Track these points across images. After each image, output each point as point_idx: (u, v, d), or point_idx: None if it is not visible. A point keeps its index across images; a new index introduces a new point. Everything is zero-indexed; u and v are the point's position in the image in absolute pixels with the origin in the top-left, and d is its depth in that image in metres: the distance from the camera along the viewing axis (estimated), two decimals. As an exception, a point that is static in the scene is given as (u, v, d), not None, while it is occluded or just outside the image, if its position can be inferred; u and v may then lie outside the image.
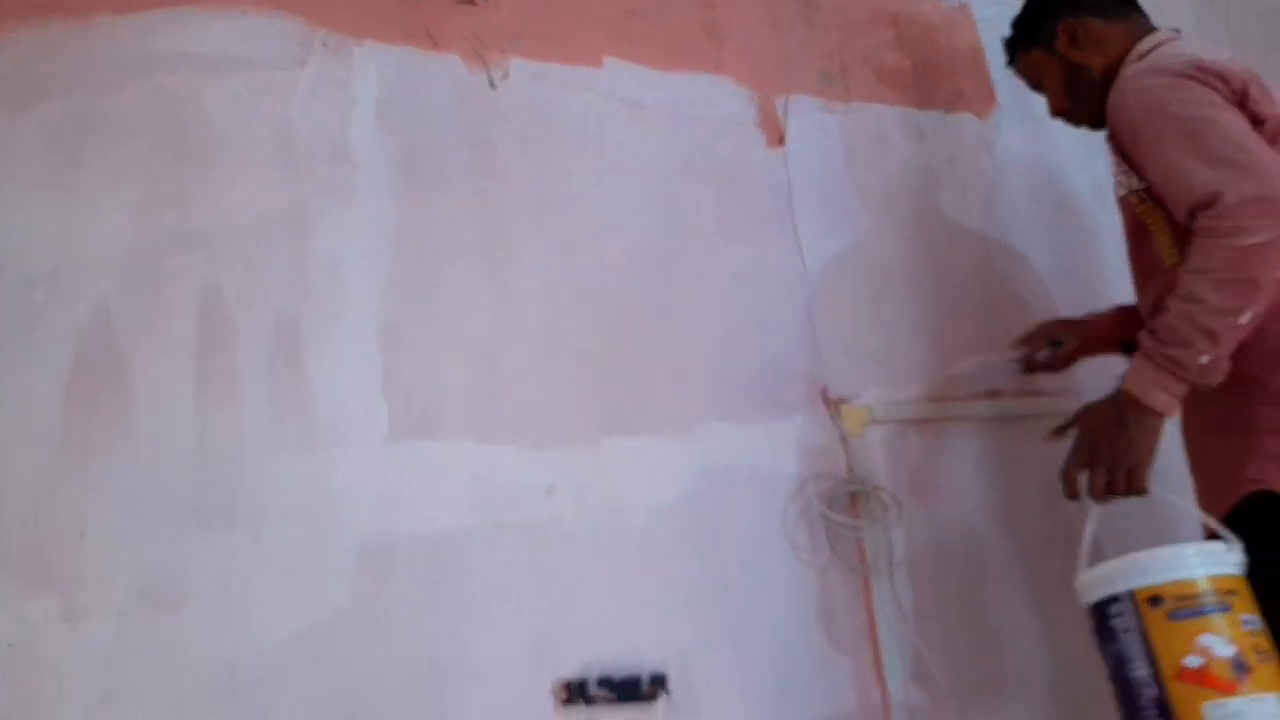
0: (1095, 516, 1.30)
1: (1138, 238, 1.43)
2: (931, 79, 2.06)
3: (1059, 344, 1.71)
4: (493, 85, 1.70)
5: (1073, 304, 1.86)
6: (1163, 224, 1.35)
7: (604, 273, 1.65)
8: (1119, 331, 1.66)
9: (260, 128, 1.55)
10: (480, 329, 1.55)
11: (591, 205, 1.69)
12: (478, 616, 1.41)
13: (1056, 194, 2.04)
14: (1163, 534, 1.36)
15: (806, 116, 1.90)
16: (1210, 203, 1.18)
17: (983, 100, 2.08)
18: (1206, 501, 1.32)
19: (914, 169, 1.95)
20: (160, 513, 1.33)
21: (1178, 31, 1.52)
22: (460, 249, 1.58)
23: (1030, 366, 1.75)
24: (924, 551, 1.65)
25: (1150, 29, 1.53)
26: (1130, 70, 1.39)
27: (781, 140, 1.86)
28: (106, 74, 1.50)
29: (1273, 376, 1.24)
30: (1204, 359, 1.17)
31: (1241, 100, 1.28)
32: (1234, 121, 1.24)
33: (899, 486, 1.66)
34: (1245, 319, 1.16)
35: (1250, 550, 1.20)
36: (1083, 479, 1.30)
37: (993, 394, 1.79)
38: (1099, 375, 1.68)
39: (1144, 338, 1.24)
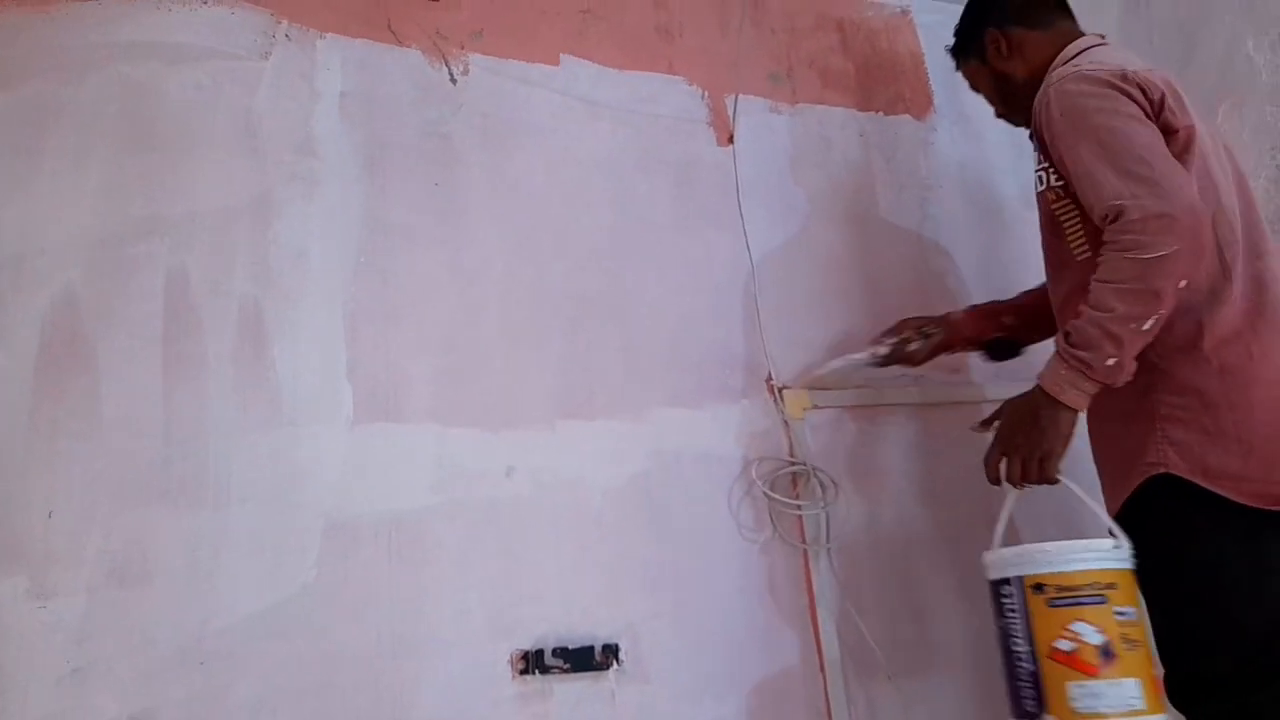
0: (1011, 501, 1.42)
1: (1051, 232, 1.52)
2: (873, 82, 2.16)
3: (926, 338, 1.74)
4: (453, 80, 1.75)
5: (996, 297, 1.97)
6: (1075, 221, 1.44)
7: (560, 263, 1.72)
8: (976, 331, 1.76)
9: (224, 118, 1.58)
10: (441, 316, 1.61)
11: (549, 198, 1.75)
12: (439, 590, 1.47)
13: (986, 194, 2.16)
14: (1076, 517, 1.49)
15: (755, 116, 1.99)
16: (1115, 217, 1.28)
17: (921, 103, 2.19)
18: (1110, 485, 1.42)
19: (855, 168, 2.05)
20: (128, 492, 1.37)
21: (1103, 38, 1.61)
22: (421, 239, 1.64)
23: (888, 360, 1.75)
24: (859, 529, 1.75)
25: (1077, 34, 1.61)
26: (1056, 74, 1.47)
27: (731, 138, 1.94)
28: (68, 61, 1.52)
29: (1175, 367, 1.33)
30: (1110, 361, 1.26)
31: (1158, 110, 1.35)
32: (1146, 134, 1.32)
33: (836, 468, 1.76)
34: (1149, 325, 1.26)
35: (1152, 530, 1.32)
36: (1003, 467, 1.41)
37: (921, 383, 1.89)
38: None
39: (1058, 339, 1.34)
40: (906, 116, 2.16)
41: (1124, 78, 1.36)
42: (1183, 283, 1.26)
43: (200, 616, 1.35)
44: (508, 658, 1.47)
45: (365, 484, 1.49)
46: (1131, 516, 1.34)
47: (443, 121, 1.72)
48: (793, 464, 1.74)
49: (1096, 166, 1.32)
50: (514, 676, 1.47)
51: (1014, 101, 1.64)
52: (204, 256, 1.50)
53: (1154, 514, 1.32)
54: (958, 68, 1.79)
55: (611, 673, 1.51)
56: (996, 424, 1.45)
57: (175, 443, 1.41)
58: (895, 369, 1.77)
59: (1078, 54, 1.50)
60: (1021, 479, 1.36)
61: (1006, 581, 1.32)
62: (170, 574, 1.35)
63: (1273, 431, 1.27)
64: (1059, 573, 1.27)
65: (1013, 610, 1.30)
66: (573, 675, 1.49)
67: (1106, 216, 1.29)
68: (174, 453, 1.40)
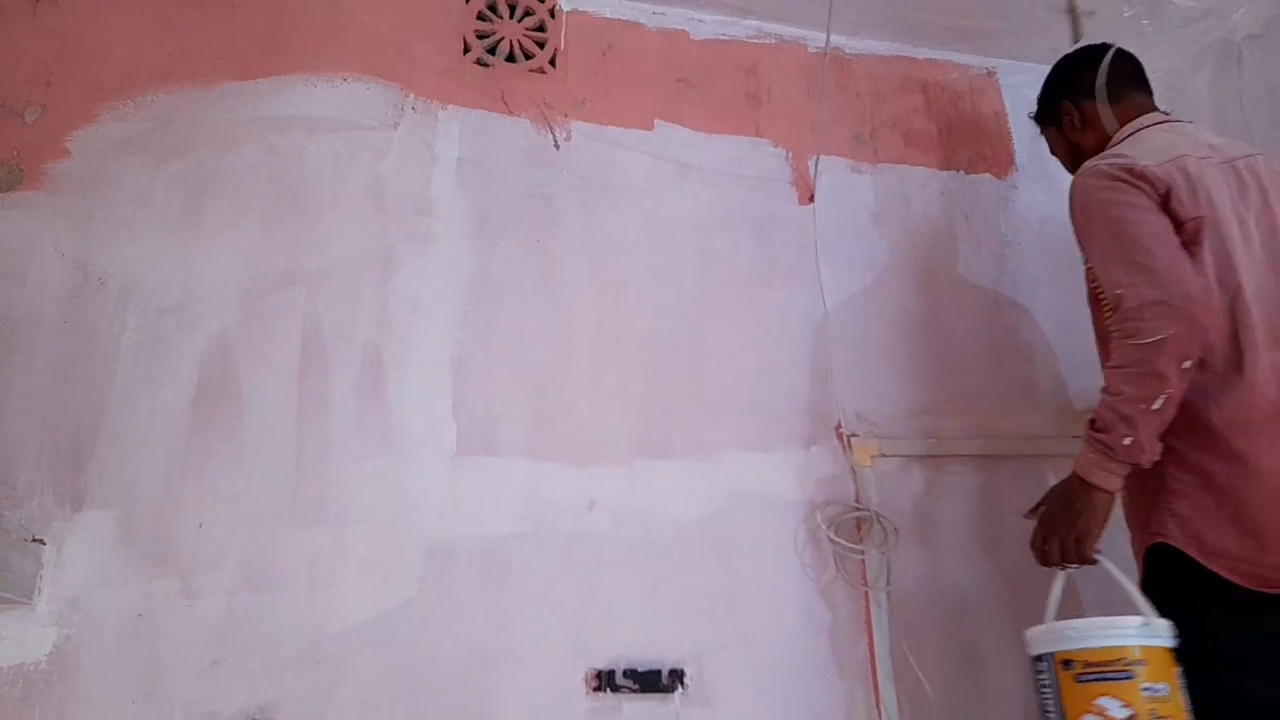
0: (1061, 579, 1.48)
1: (1093, 305, 1.60)
2: (955, 141, 2.24)
3: None
4: (556, 145, 1.93)
5: (1074, 355, 2.03)
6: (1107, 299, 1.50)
7: (646, 314, 1.87)
8: None
9: (356, 181, 1.80)
10: (536, 361, 1.78)
11: (637, 254, 1.91)
12: (524, 611, 1.64)
13: (1067, 250, 2.20)
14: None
15: (836, 175, 2.10)
16: (1117, 305, 1.36)
17: (1003, 162, 2.26)
18: (1135, 555, 1.48)
19: (933, 224, 2.14)
20: (263, 509, 1.58)
21: (1167, 114, 1.67)
22: (521, 291, 1.82)
23: None
24: (920, 575, 1.83)
25: (1146, 109, 1.68)
26: (1084, 165, 1.55)
27: (811, 197, 2.06)
28: (226, 133, 1.77)
29: (1185, 445, 1.39)
30: (1127, 440, 1.33)
31: (1164, 203, 1.42)
32: (1153, 223, 1.39)
33: (900, 515, 1.85)
34: (1158, 404, 1.32)
35: (1159, 598, 1.36)
36: (1044, 548, 1.47)
37: (989, 435, 1.96)
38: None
39: (1085, 426, 1.41)
40: (987, 175, 2.23)
41: (1131, 172, 1.44)
42: (1186, 363, 1.31)
43: (318, 622, 1.55)
44: (583, 675, 1.62)
45: (463, 511, 1.66)
46: (1148, 585, 1.40)
47: (545, 183, 1.90)
48: (858, 509, 1.83)
49: (1107, 257, 1.41)
50: (588, 693, 1.61)
51: None
52: (334, 304, 1.71)
53: (1161, 583, 1.38)
54: (1041, 132, 1.87)
55: (677, 695, 1.64)
56: (1042, 509, 1.52)
57: (304, 468, 1.61)
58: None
59: (1127, 136, 1.59)
60: (1061, 559, 1.43)
61: (1040, 658, 1.38)
62: (294, 583, 1.56)
63: (1270, 520, 1.31)
64: (1084, 649, 1.31)
65: (1046, 685, 1.36)
66: (641, 695, 1.62)
67: (1113, 305, 1.38)
68: (303, 476, 1.61)
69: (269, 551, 1.56)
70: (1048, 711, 1.35)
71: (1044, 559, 1.47)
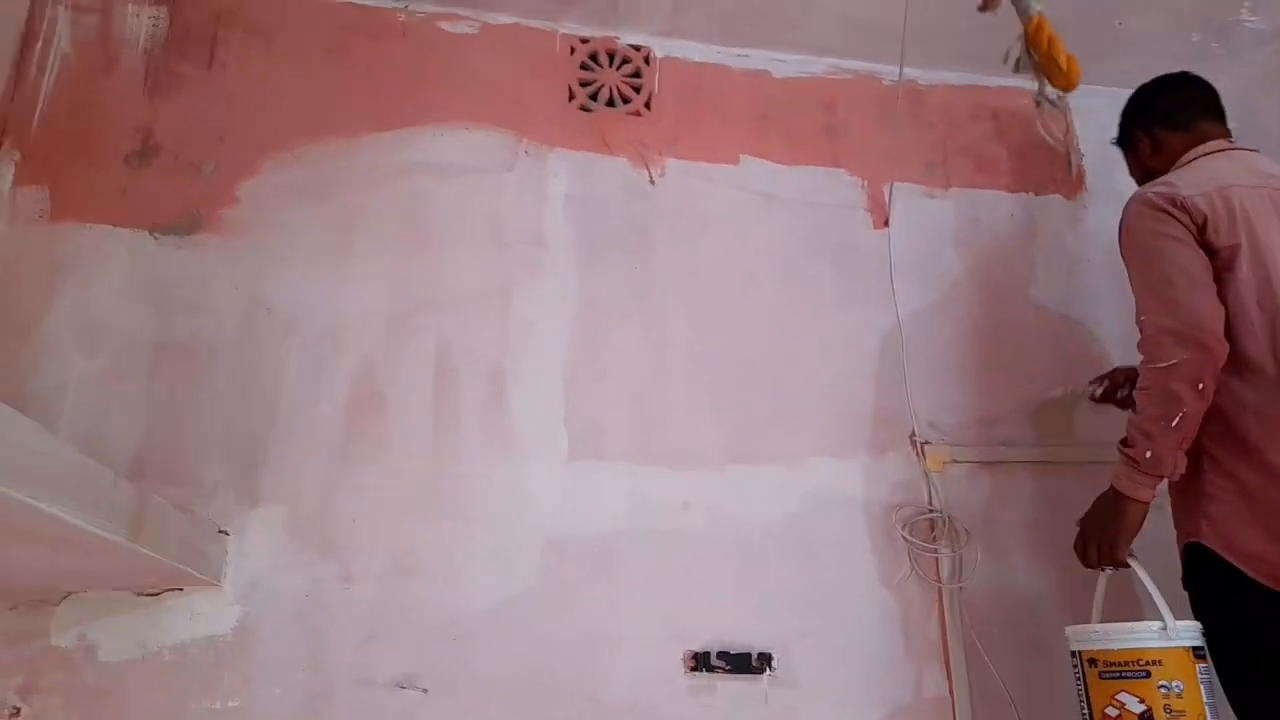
0: (1104, 580, 1.64)
1: None
2: (1025, 165, 2.37)
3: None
4: (652, 181, 2.15)
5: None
6: None
7: (734, 333, 2.07)
8: None
9: (478, 219, 2.04)
10: (637, 376, 2.00)
11: (726, 278, 2.11)
12: (629, 599, 1.85)
13: (1134, 268, 2.32)
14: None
15: (909, 201, 2.27)
16: (1140, 331, 1.52)
17: (1073, 183, 2.38)
18: (1179, 548, 1.59)
19: (1003, 245, 2.28)
20: (405, 506, 1.83)
21: (1230, 141, 1.76)
22: (623, 313, 2.04)
23: (1101, 399, 2.03)
24: (988, 573, 1.99)
25: (1214, 135, 1.76)
26: (1135, 193, 1.67)
27: (886, 222, 2.23)
28: (369, 178, 2.03)
29: (1223, 455, 1.51)
30: (1148, 454, 1.48)
31: (1201, 232, 1.54)
32: (1181, 254, 1.52)
33: (970, 517, 2.01)
34: (1176, 422, 1.46)
35: (1195, 594, 1.51)
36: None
37: (1053, 444, 2.11)
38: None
39: (1120, 441, 1.56)
40: (1057, 196, 2.36)
41: (1173, 202, 1.56)
42: (1199, 385, 1.45)
43: (454, 604, 1.79)
44: (681, 656, 1.83)
45: (574, 509, 1.89)
46: (1187, 580, 1.54)
47: (642, 216, 2.12)
48: (931, 511, 2.00)
49: (1139, 284, 1.57)
50: (686, 672, 1.82)
51: None
52: (462, 328, 1.96)
53: (1197, 579, 1.52)
54: (1124, 156, 1.98)
55: (765, 677, 1.83)
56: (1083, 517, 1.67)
57: (439, 470, 1.86)
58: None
59: (1187, 163, 1.70)
60: (1098, 562, 1.59)
61: (1074, 654, 1.56)
62: (433, 570, 1.80)
63: None
64: (1106, 649, 1.49)
65: (1078, 680, 1.54)
66: (733, 675, 1.82)
67: (1140, 331, 1.54)
68: (438, 478, 1.85)
69: (411, 543, 1.81)
70: (1079, 701, 1.52)
71: (1084, 561, 1.63)
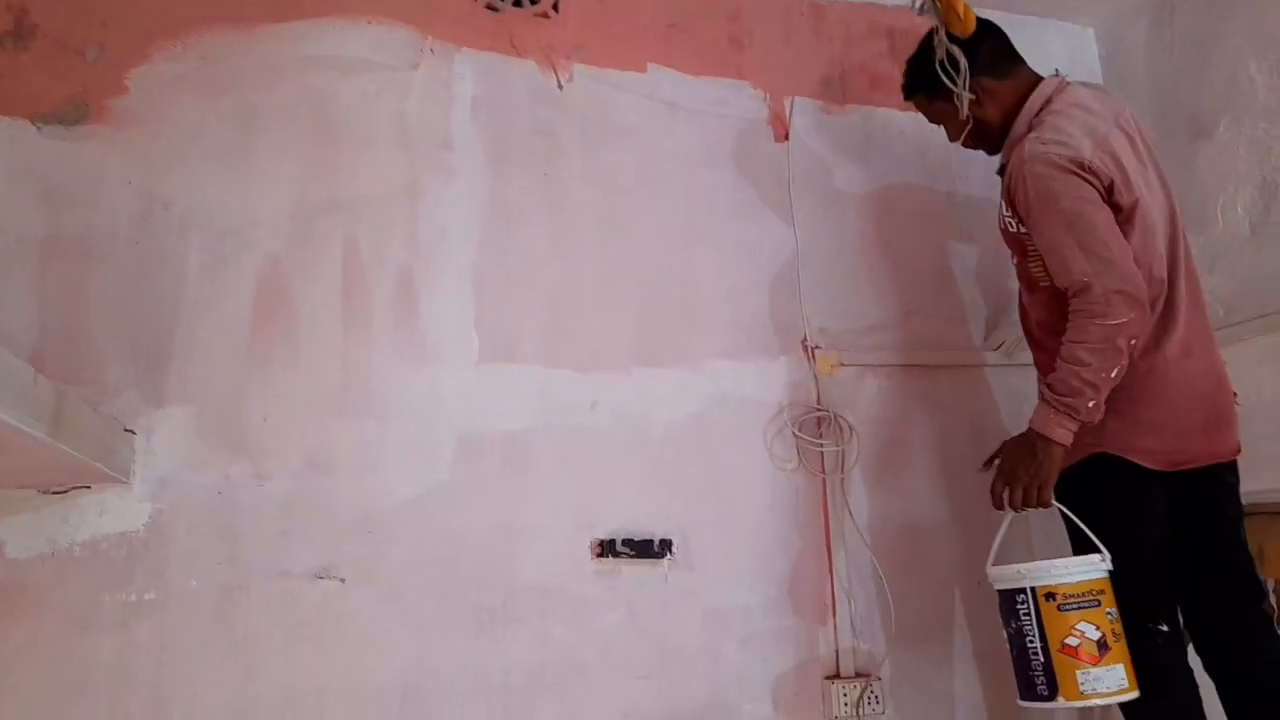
0: (1007, 523, 1.76)
1: (1022, 257, 1.83)
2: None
3: None
4: (560, 86, 2.16)
5: (1009, 277, 2.33)
6: (1039, 258, 1.74)
7: (640, 241, 2.14)
8: None
9: (384, 119, 2.01)
10: (546, 281, 2.05)
11: (633, 186, 2.16)
12: (539, 492, 1.94)
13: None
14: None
15: (808, 116, 2.35)
16: (1082, 290, 1.60)
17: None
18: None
19: (893, 162, 2.41)
20: (317, 405, 1.85)
21: (1056, 73, 1.83)
22: (532, 219, 2.07)
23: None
24: (871, 465, 2.18)
25: (1035, 79, 1.83)
26: (1028, 149, 1.70)
27: (786, 136, 2.31)
28: (268, 72, 1.97)
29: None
30: (1091, 403, 1.60)
31: (1109, 192, 1.65)
32: (1103, 216, 1.63)
33: (856, 416, 2.18)
34: (1115, 374, 1.60)
35: (1079, 492, 1.70)
36: (1006, 495, 1.71)
37: (932, 348, 2.29)
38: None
39: (1044, 390, 1.67)
40: (943, 115, 2.49)
41: (1083, 166, 1.65)
42: (1134, 340, 1.61)
43: (368, 499, 1.84)
44: (588, 544, 1.95)
45: (486, 409, 1.95)
46: (1083, 489, 1.72)
47: (551, 121, 2.13)
48: (819, 410, 2.16)
49: (1065, 245, 1.63)
50: (593, 558, 1.94)
51: (987, 142, 1.93)
52: (370, 230, 1.95)
53: (1086, 480, 1.71)
54: (909, 97, 2.02)
55: (666, 561, 1.98)
56: (998, 461, 1.78)
57: (350, 371, 1.88)
58: None
59: (1041, 107, 1.78)
60: (1023, 504, 1.69)
61: (1021, 591, 1.64)
62: (348, 467, 1.84)
63: (1176, 416, 1.67)
64: (1064, 583, 1.60)
65: (1027, 615, 1.62)
66: (637, 560, 1.96)
67: (1072, 288, 1.63)
68: (350, 379, 1.88)
69: (324, 441, 1.84)
70: (1028, 635, 1.62)
71: (1007, 503, 1.71)
